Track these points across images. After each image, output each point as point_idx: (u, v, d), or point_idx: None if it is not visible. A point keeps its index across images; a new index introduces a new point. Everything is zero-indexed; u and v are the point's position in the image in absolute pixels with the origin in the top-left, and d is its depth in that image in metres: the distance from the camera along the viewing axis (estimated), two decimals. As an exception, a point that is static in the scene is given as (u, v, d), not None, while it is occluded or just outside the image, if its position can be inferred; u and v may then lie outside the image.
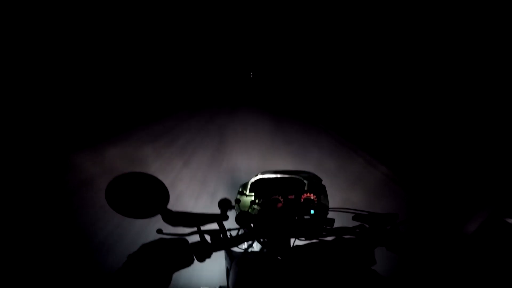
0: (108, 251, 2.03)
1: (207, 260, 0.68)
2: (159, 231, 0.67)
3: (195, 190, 3.01)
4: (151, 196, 0.67)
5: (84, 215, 2.43)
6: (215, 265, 1.60)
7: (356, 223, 0.83)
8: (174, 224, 0.69)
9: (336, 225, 0.83)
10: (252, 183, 1.03)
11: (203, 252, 0.66)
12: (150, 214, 0.67)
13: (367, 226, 0.81)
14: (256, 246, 1.27)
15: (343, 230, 0.81)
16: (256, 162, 4.02)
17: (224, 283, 1.03)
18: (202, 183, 3.20)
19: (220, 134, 5.61)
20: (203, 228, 0.72)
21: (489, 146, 3.39)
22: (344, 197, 2.92)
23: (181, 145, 4.67)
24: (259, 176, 1.04)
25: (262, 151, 4.55)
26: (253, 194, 1.00)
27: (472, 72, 4.02)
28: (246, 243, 1.38)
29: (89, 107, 6.80)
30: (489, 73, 3.78)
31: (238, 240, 0.75)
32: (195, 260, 0.66)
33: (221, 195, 2.90)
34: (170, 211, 0.69)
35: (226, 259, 0.98)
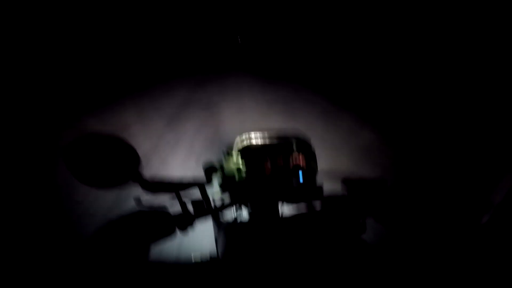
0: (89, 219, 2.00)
1: (198, 230, 0.64)
2: (137, 199, 0.61)
3: (181, 154, 2.96)
4: (118, 161, 0.58)
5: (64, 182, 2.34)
6: (207, 234, 1.58)
7: (345, 189, 0.81)
8: (153, 191, 0.63)
9: (325, 190, 0.81)
10: (238, 145, 0.97)
11: (185, 222, 0.62)
12: (119, 182, 0.58)
13: (355, 192, 0.79)
14: (245, 215, 1.26)
15: (332, 196, 0.79)
16: (245, 124, 3.95)
17: (214, 251, 1.01)
18: (189, 148, 3.14)
19: (208, 100, 5.41)
20: (185, 195, 0.67)
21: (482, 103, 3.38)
22: (332, 158, 2.95)
23: (169, 112, 4.50)
24: (245, 138, 0.97)
25: (251, 114, 4.47)
26: (239, 157, 0.94)
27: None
28: (234, 211, 1.37)
29: (69, 76, 6.33)
30: None
31: (221, 207, 0.71)
32: (178, 231, 0.62)
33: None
34: (146, 177, 0.62)
35: (213, 227, 0.95)
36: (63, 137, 3.19)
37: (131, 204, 0.58)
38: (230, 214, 1.19)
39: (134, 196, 0.61)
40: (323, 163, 0.92)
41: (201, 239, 1.73)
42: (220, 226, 0.82)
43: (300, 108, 5.01)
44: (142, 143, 3.14)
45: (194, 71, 9.41)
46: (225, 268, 0.66)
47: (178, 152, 3.03)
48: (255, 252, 0.62)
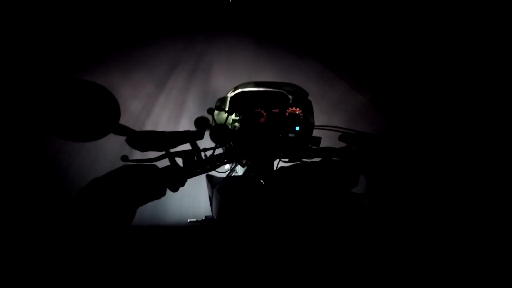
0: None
1: (192, 191, 0.60)
2: (124, 158, 0.54)
3: (173, 113, 2.89)
4: (95, 110, 0.49)
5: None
6: (202, 196, 1.61)
7: (343, 144, 0.78)
8: (140, 148, 0.57)
9: (321, 144, 0.77)
10: (231, 97, 0.90)
11: (175, 179, 0.57)
12: (96, 135, 0.50)
13: (353, 148, 0.76)
14: (239, 171, 1.23)
15: (328, 150, 0.76)
16: (236, 82, 3.82)
17: (210, 212, 1.00)
18: (181, 106, 3.06)
19: (200, 59, 5.16)
20: (175, 150, 0.61)
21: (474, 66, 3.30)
22: (328, 119, 2.92)
23: (161, 71, 4.29)
24: (239, 90, 0.91)
25: (244, 74, 4.31)
26: (233, 108, 0.88)
27: None
28: (227, 167, 1.33)
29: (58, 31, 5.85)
30: None
31: (215, 162, 0.67)
32: (168, 191, 0.58)
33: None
34: (130, 130, 0.55)
35: (207, 186, 0.91)
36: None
37: (117, 161, 0.54)
38: (223, 171, 1.16)
39: (122, 155, 0.56)
40: (318, 122, 0.87)
41: (195, 200, 1.78)
42: (214, 185, 0.80)
43: (294, 68, 4.84)
44: (131, 104, 3.05)
45: (184, 28, 8.88)
46: (220, 228, 0.65)
47: (169, 112, 2.95)
48: (250, 210, 0.61)
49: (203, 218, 1.23)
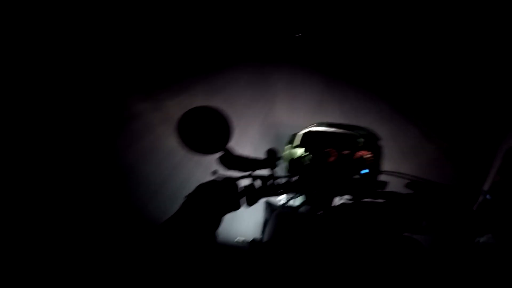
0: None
1: (244, 213, 0.72)
2: (214, 172, 0.71)
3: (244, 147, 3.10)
4: (217, 132, 0.68)
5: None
6: (251, 218, 1.64)
7: (409, 192, 0.79)
8: (229, 166, 0.72)
9: (387, 189, 0.80)
10: (302, 135, 1.00)
11: (252, 196, 0.70)
12: (214, 151, 0.69)
13: (419, 195, 0.76)
14: (297, 201, 1.29)
15: (393, 194, 0.78)
16: (305, 120, 3.90)
17: (258, 235, 1.08)
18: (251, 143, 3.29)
19: (268, 92, 5.50)
20: (253, 173, 0.75)
21: None
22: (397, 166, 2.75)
23: (234, 101, 4.72)
24: (310, 128, 0.99)
25: (311, 111, 4.41)
26: (303, 146, 0.98)
27: None
28: (287, 197, 1.41)
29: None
30: None
31: (285, 189, 0.77)
32: (243, 206, 0.71)
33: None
34: (229, 151, 0.72)
35: (265, 211, 1.01)
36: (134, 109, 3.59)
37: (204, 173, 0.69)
38: (284, 199, 1.24)
39: (213, 170, 0.72)
40: (388, 167, 0.90)
41: (245, 222, 1.84)
42: (271, 210, 0.89)
43: (363, 111, 4.74)
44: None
45: (250, 59, 9.49)
46: (272, 251, 0.71)
47: (241, 142, 3.17)
48: (302, 239, 0.67)
49: (252, 239, 1.30)
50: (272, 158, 0.91)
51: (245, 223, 1.82)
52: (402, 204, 0.75)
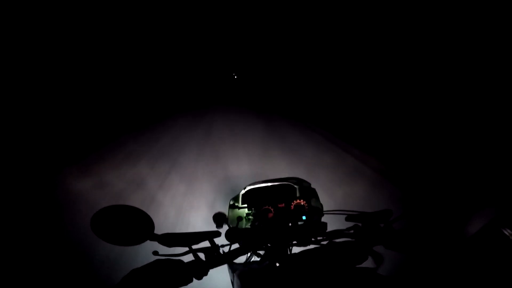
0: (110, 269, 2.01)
1: (216, 273, 0.70)
2: (155, 253, 0.69)
3: (194, 202, 3.02)
4: (136, 225, 0.70)
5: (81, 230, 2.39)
6: (224, 276, 1.58)
7: (350, 224, 0.85)
8: (168, 245, 0.71)
9: (331, 226, 0.84)
10: (242, 195, 1.03)
11: (198, 270, 0.68)
12: (138, 241, 0.70)
13: (360, 225, 0.82)
14: (257, 256, 1.27)
15: (337, 232, 0.83)
16: (250, 164, 4.04)
17: None
18: (200, 193, 3.21)
19: (210, 134, 5.63)
20: (197, 246, 0.73)
21: (486, 143, 3.40)
22: (340, 191, 2.95)
23: (179, 161, 4.66)
24: (249, 187, 1.04)
25: (255, 152, 4.58)
26: (245, 206, 1.00)
27: (471, 68, 4.02)
28: (246, 256, 1.39)
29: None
30: (487, 73, 3.75)
31: (232, 256, 0.76)
32: (194, 279, 0.67)
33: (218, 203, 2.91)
34: (160, 235, 0.72)
35: (228, 271, 0.98)
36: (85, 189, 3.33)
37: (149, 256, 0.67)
38: (242, 258, 1.21)
39: (153, 250, 0.69)
40: (330, 198, 0.97)
41: (217, 283, 1.73)
42: (234, 270, 0.86)
43: (301, 143, 5.12)
44: (156, 192, 3.27)
45: (192, 106, 9.76)
46: None
47: (190, 199, 3.08)
48: None
49: None
50: (218, 223, 0.91)
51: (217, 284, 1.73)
52: (346, 239, 0.81)
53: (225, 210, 1.06)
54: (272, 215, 0.93)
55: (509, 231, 0.58)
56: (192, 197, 3.13)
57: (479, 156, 3.24)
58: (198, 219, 2.64)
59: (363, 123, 5.69)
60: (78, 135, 5.58)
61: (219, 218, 0.90)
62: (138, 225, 0.70)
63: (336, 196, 2.85)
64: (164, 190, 3.38)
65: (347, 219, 0.85)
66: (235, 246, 0.82)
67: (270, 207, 0.94)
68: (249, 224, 0.94)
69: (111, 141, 5.33)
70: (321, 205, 0.97)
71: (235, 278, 0.80)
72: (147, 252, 0.74)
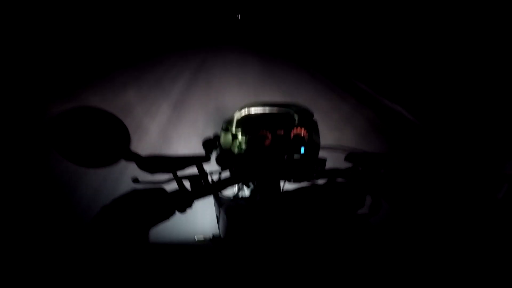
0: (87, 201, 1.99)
1: (200, 208, 0.62)
2: (135, 179, 0.59)
3: (184, 131, 2.95)
4: (107, 138, 0.53)
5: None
6: (209, 213, 1.58)
7: (349, 164, 0.78)
8: (150, 170, 0.60)
9: (328, 165, 0.78)
10: (237, 118, 0.92)
11: (182, 201, 0.59)
12: (109, 161, 0.54)
13: (360, 168, 0.76)
14: (246, 191, 1.24)
15: (335, 172, 0.76)
16: (246, 100, 3.90)
17: (217, 230, 1.00)
18: (192, 123, 3.13)
19: (208, 76, 5.33)
20: (182, 173, 0.63)
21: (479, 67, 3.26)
22: (335, 137, 2.94)
23: (169, 87, 4.43)
24: (244, 110, 0.91)
25: (252, 91, 4.41)
26: (238, 130, 0.89)
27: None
28: (234, 188, 1.34)
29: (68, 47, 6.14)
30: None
31: (221, 185, 0.68)
32: (177, 212, 0.60)
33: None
34: (139, 155, 0.58)
35: (215, 206, 0.92)
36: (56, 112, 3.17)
37: (126, 183, 0.56)
38: (230, 191, 1.16)
39: (132, 176, 0.59)
40: (326, 140, 0.88)
41: (203, 217, 1.73)
42: (221, 205, 0.80)
43: (301, 85, 4.94)
44: (145, 122, 3.15)
45: (194, 44, 9.25)
46: (228, 247, 0.65)
47: (180, 128, 3.01)
48: (257, 229, 0.61)
49: (211, 236, 1.22)
50: (207, 149, 0.81)
51: (203, 219, 1.72)
52: (343, 180, 0.75)
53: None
54: (269, 143, 0.84)
55: None
56: (181, 126, 3.04)
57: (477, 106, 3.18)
58: (186, 148, 2.59)
59: (362, 71, 5.44)
60: (71, 64, 5.16)
61: (210, 144, 0.79)
62: (110, 137, 0.53)
63: (325, 140, 2.82)
64: (151, 116, 3.26)
65: (346, 159, 0.78)
66: (225, 175, 0.74)
67: (267, 133, 0.84)
68: (241, 150, 0.85)
69: (104, 73, 4.98)
70: (319, 139, 0.89)
71: (222, 213, 0.74)
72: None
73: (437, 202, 0.61)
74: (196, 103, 3.82)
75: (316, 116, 0.90)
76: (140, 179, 0.59)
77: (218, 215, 0.86)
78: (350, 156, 0.77)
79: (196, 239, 1.36)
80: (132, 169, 0.59)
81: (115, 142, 0.54)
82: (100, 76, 4.84)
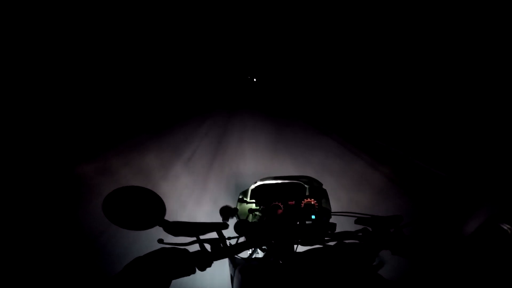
0: (111, 257, 2.05)
1: (212, 268, 0.68)
2: (160, 241, 0.67)
3: (198, 196, 3.02)
4: (148, 209, 0.68)
5: (90, 222, 2.43)
6: (221, 272, 1.61)
7: (359, 227, 0.82)
8: (175, 234, 0.69)
9: (339, 229, 0.82)
10: (252, 190, 1.02)
11: (203, 261, 0.66)
12: (148, 226, 0.67)
13: (370, 229, 0.80)
14: (260, 252, 1.25)
15: (346, 234, 0.80)
16: (257, 165, 4.03)
17: None
18: (203, 189, 3.21)
19: (222, 140, 5.63)
20: (203, 237, 0.72)
21: (488, 147, 3.35)
22: (348, 198, 2.91)
23: (185, 154, 4.68)
24: (259, 183, 1.02)
25: (266, 155, 4.56)
26: (253, 201, 0.98)
27: (470, 74, 3.98)
28: (249, 251, 1.37)
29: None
30: (487, 75, 3.72)
31: (238, 249, 0.74)
32: (197, 270, 0.66)
33: (223, 199, 2.90)
34: (169, 222, 0.70)
35: (229, 266, 0.96)
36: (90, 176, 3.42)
37: (153, 244, 0.65)
38: (245, 253, 1.18)
39: (158, 238, 0.67)
40: (338, 203, 0.94)
41: (217, 278, 1.77)
42: (236, 265, 0.84)
43: (313, 148, 5.07)
44: (158, 181, 3.28)
45: (207, 109, 9.99)
46: None
47: (197, 198, 3.09)
48: None
49: None
50: (224, 216, 0.89)
51: (217, 277, 1.78)
52: (354, 241, 0.78)
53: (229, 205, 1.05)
54: (281, 212, 0.91)
55: (507, 226, 0.57)
56: (198, 192, 3.14)
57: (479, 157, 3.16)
58: (202, 214, 2.64)
59: (374, 128, 5.62)
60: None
61: (226, 212, 0.88)
62: (150, 209, 0.68)
63: (342, 202, 2.81)
64: (168, 182, 3.41)
65: (356, 222, 0.82)
66: (241, 240, 0.80)
67: (280, 204, 0.92)
68: (256, 219, 0.93)
69: (130, 138, 5.47)
70: (330, 205, 0.95)
71: (236, 273, 0.78)
72: (150, 241, 0.72)
73: (447, 255, 0.62)
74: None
75: (328, 176, 0.99)
76: (165, 240, 0.67)
77: (233, 274, 0.89)
78: (360, 220, 0.82)
79: None
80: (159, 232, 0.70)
81: (155, 212, 0.69)
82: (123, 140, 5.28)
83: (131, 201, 0.66)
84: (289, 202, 0.94)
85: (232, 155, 4.57)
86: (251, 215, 0.93)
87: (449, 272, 0.59)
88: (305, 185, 0.98)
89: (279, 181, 1.01)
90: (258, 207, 0.95)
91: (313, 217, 0.89)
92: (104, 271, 1.92)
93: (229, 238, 0.78)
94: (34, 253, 2.06)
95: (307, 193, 0.96)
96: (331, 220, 0.87)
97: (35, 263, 1.96)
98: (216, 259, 0.69)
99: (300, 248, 0.83)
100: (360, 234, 0.80)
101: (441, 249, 0.64)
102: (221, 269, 1.15)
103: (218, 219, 0.88)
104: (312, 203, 0.92)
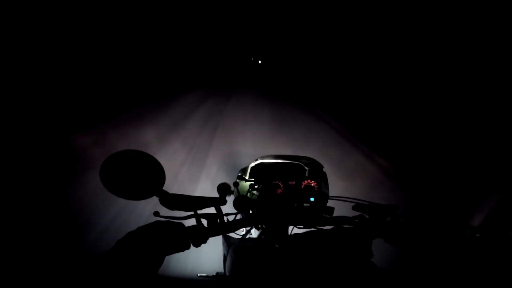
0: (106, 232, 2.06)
1: (205, 247, 0.67)
2: (156, 213, 0.65)
3: (194, 173, 3.03)
4: (147, 177, 0.63)
5: (85, 197, 2.44)
6: (213, 251, 1.63)
7: (356, 213, 0.82)
8: (171, 207, 0.67)
9: (335, 214, 0.82)
10: (252, 168, 1.00)
11: (198, 236, 0.65)
12: (145, 196, 0.63)
13: (366, 216, 0.79)
14: (254, 233, 1.26)
15: (342, 219, 0.80)
16: (257, 147, 4.02)
17: (221, 269, 1.02)
18: (202, 167, 3.21)
19: (219, 119, 5.58)
20: (200, 212, 0.70)
21: (489, 139, 3.34)
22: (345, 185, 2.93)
23: (181, 128, 4.64)
24: (259, 161, 1.00)
25: (262, 137, 4.54)
26: (252, 179, 0.97)
27: (476, 63, 3.91)
28: (244, 229, 1.37)
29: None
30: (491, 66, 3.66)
31: (235, 226, 0.73)
32: (192, 246, 0.65)
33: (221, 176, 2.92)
34: (167, 193, 0.67)
35: (223, 245, 0.96)
36: (78, 141, 3.41)
37: (147, 215, 0.63)
38: (240, 232, 1.19)
39: (154, 211, 0.65)
40: (336, 188, 0.94)
41: (209, 255, 1.75)
42: (230, 244, 0.84)
43: (314, 133, 5.05)
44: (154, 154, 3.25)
45: (210, 86, 9.84)
46: (233, 285, 0.68)
47: (191, 169, 3.10)
48: (263, 271, 0.64)
49: (214, 274, 1.23)
50: (222, 193, 0.88)
51: (207, 257, 1.78)
52: (350, 227, 0.78)
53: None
54: (280, 191, 0.90)
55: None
56: (193, 167, 3.14)
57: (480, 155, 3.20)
58: (197, 188, 2.65)
59: (374, 120, 5.59)
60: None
61: (223, 189, 0.86)
62: (149, 176, 0.63)
63: (335, 189, 2.81)
64: (164, 157, 3.39)
65: (354, 208, 0.82)
66: (239, 217, 0.79)
67: (280, 183, 0.91)
68: (255, 197, 0.92)
69: (126, 111, 5.34)
70: (328, 189, 0.95)
71: (230, 252, 0.78)
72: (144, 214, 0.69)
73: (439, 247, 0.63)
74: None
75: (324, 163, 0.97)
76: (161, 213, 0.65)
77: (226, 254, 0.89)
78: (357, 206, 0.82)
79: (199, 276, 1.38)
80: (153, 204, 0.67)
81: (152, 181, 0.64)
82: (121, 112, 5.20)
83: (129, 167, 0.62)
84: (289, 182, 0.92)
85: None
86: (249, 192, 0.92)
87: (441, 266, 0.60)
88: (306, 167, 0.97)
89: (280, 161, 0.99)
90: (256, 186, 0.93)
91: (312, 199, 0.88)
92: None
93: (227, 215, 0.76)
94: (22, 225, 2.05)
95: (307, 175, 0.94)
96: (328, 205, 0.86)
97: (23, 236, 1.95)
98: (212, 235, 0.68)
99: (295, 230, 0.83)
100: (357, 220, 0.80)
101: (435, 242, 0.64)
102: (212, 249, 1.15)
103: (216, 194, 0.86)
104: (312, 185, 0.91)
